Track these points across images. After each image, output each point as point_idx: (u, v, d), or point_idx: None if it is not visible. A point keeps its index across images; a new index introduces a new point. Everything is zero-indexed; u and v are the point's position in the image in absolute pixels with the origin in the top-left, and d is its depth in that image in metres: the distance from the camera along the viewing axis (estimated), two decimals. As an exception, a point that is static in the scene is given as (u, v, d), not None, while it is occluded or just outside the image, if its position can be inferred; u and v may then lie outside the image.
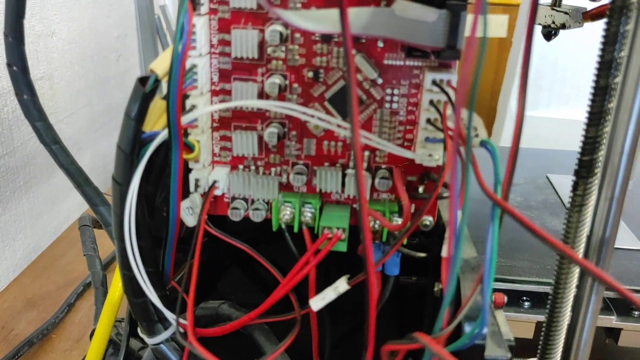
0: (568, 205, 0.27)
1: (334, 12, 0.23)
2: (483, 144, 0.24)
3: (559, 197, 0.55)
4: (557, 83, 1.14)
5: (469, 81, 0.18)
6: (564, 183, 0.58)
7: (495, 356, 0.24)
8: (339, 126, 0.27)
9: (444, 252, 0.25)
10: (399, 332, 0.34)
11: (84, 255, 0.43)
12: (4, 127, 0.59)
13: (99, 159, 0.82)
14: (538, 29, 0.47)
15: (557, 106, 1.17)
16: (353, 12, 0.23)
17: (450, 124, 0.25)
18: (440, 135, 0.27)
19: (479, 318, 0.22)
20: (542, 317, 0.41)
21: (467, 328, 0.24)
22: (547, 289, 0.42)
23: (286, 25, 0.27)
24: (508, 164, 0.22)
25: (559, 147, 0.71)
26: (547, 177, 0.59)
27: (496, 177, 0.22)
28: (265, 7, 0.26)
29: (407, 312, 0.35)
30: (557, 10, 0.38)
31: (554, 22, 0.39)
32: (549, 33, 0.40)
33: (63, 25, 0.71)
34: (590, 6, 0.38)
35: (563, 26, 0.39)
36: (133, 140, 0.25)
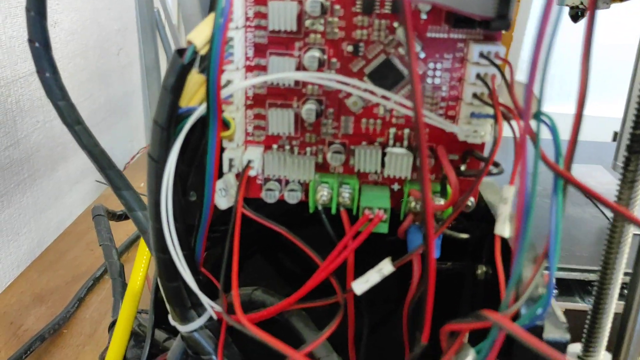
0: (619, 181, 0.27)
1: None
2: (539, 116, 0.23)
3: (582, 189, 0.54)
4: (559, 78, 1.14)
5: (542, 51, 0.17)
6: (585, 173, 0.57)
7: (554, 338, 0.23)
8: (384, 97, 0.26)
9: (500, 230, 0.24)
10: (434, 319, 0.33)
11: (100, 245, 0.41)
12: (7, 117, 0.58)
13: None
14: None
15: (567, 100, 1.16)
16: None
17: (502, 99, 0.24)
18: (487, 110, 0.26)
19: (541, 298, 0.21)
20: (570, 305, 0.41)
21: (524, 310, 0.23)
22: (576, 275, 0.41)
23: (326, -4, 0.26)
24: (571, 136, 0.21)
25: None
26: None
27: (557, 149, 0.21)
28: None
29: (441, 298, 0.34)
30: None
31: (582, 3, 0.38)
32: (576, 14, 0.39)
33: (65, 16, 0.69)
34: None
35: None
36: (170, 114, 0.24)
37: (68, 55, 0.70)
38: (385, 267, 0.26)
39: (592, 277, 0.41)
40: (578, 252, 0.43)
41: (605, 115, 1.17)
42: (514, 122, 0.24)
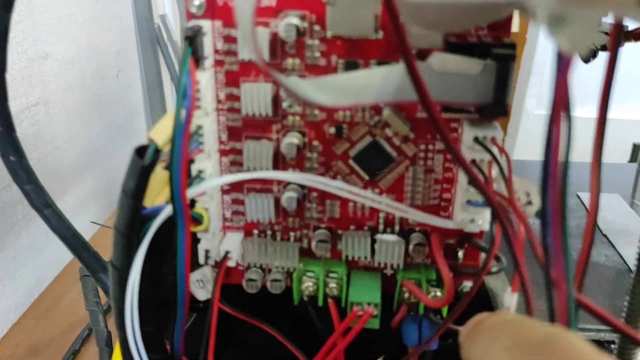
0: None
1: (360, 77, 0.20)
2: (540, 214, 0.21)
3: (593, 222, 0.51)
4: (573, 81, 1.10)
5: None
6: (600, 203, 0.54)
7: None
8: (366, 197, 0.23)
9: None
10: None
11: (87, 310, 0.39)
12: (-1, 160, 0.56)
13: (102, 181, 0.79)
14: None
15: (582, 104, 1.13)
16: (380, 74, 0.20)
17: (498, 188, 0.22)
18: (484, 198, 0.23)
19: None
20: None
21: None
22: (590, 335, 0.39)
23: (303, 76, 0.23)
24: (584, 242, 0.18)
25: (576, 145, 0.67)
26: (578, 196, 0.55)
27: (567, 266, 0.19)
28: (264, 71, 0.23)
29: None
30: (598, 31, 0.34)
31: (593, 44, 0.36)
32: (588, 56, 0.36)
33: (59, 46, 0.68)
34: (633, 25, 0.35)
35: (604, 48, 0.36)
36: (131, 219, 0.22)
37: (62, 87, 0.68)
38: (377, 372, 0.24)
39: (607, 337, 0.38)
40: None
41: (622, 117, 1.13)
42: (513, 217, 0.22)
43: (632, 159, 0.68)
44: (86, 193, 0.75)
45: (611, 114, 0.19)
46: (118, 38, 0.86)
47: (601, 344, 0.38)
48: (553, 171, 0.15)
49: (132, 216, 0.21)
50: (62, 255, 0.66)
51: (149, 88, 1.01)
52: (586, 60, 0.37)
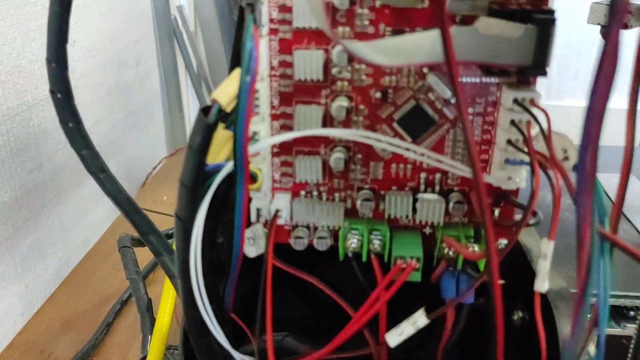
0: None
1: (412, 40, 0.21)
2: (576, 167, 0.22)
3: (611, 200, 0.52)
4: (582, 71, 1.12)
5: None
6: (612, 182, 0.55)
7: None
8: (408, 149, 0.25)
9: (540, 287, 0.23)
10: (465, 358, 0.33)
11: (127, 278, 0.41)
12: (30, 141, 0.58)
13: (123, 167, 0.81)
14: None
15: (582, 94, 1.14)
16: (431, 36, 0.21)
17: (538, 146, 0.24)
18: (522, 156, 0.25)
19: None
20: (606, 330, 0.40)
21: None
22: (611, 300, 0.40)
23: (353, 43, 0.25)
24: (617, 195, 0.20)
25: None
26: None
27: (601, 208, 0.20)
28: (332, 38, 0.24)
29: (474, 339, 0.33)
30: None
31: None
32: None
33: (83, 34, 0.69)
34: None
35: (625, 26, 0.37)
36: (197, 174, 0.23)
37: (87, 73, 0.70)
38: (420, 320, 0.25)
39: (627, 302, 0.39)
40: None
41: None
42: (551, 172, 0.23)
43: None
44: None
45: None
46: (137, 27, 0.88)
47: (621, 309, 0.40)
48: (597, 108, 0.16)
49: (197, 170, 0.23)
50: (89, 236, 0.68)
51: (166, 77, 1.03)
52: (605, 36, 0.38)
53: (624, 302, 0.40)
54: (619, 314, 0.41)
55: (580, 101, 1.14)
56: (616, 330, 0.40)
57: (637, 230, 0.47)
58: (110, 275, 0.59)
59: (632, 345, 0.28)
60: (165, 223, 0.44)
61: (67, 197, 0.64)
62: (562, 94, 1.14)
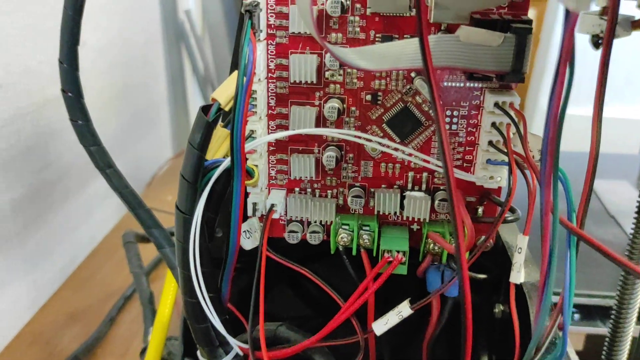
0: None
1: (396, 46, 0.23)
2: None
3: (602, 204, 0.54)
4: (586, 80, 1.12)
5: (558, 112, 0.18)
6: (608, 189, 0.57)
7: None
8: (396, 149, 0.26)
9: (514, 279, 0.24)
10: (451, 352, 0.34)
11: (131, 272, 0.43)
12: (40, 140, 0.60)
13: (129, 167, 0.83)
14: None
15: (585, 103, 1.15)
16: (414, 43, 0.23)
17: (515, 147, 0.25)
18: (502, 157, 0.26)
19: (556, 349, 0.22)
20: (591, 330, 0.41)
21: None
22: (597, 301, 0.42)
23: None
24: (583, 193, 0.21)
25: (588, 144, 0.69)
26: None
27: (570, 205, 0.22)
28: (321, 44, 0.26)
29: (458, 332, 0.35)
30: (606, 20, 0.37)
31: (602, 32, 0.39)
32: (597, 42, 0.39)
33: (92, 35, 0.71)
34: None
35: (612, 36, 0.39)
36: (197, 169, 0.25)
37: (96, 74, 0.72)
38: (404, 310, 0.27)
39: (612, 302, 0.41)
40: (599, 277, 0.43)
41: (632, 117, 1.15)
42: (527, 172, 0.25)
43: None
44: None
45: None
46: (145, 28, 0.90)
47: (607, 309, 0.41)
48: (554, 113, 0.18)
49: (197, 165, 0.25)
50: (95, 234, 0.70)
51: (173, 79, 1.05)
52: (596, 45, 0.40)
53: (608, 303, 0.41)
54: (604, 314, 0.42)
55: (583, 110, 1.15)
56: (602, 330, 0.42)
57: (626, 234, 0.49)
58: (114, 273, 0.61)
59: (605, 344, 0.29)
60: (169, 221, 0.46)
61: (74, 195, 0.65)
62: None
